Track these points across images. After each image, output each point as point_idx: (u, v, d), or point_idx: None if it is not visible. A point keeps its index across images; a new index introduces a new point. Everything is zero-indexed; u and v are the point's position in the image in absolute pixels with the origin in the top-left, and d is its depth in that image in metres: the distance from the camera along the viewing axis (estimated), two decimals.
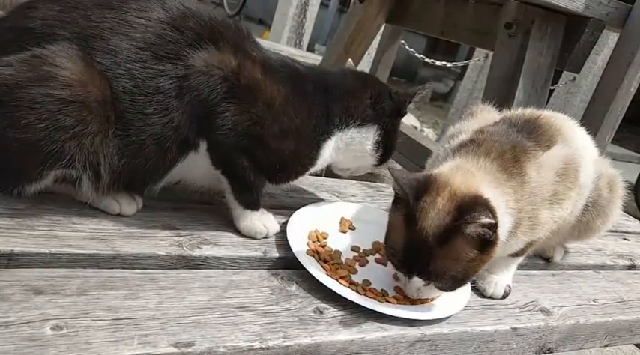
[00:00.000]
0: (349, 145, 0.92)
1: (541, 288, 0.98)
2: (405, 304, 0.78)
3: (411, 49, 2.98)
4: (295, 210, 0.93)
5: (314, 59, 3.35)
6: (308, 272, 0.77)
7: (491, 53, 1.65)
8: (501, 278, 0.90)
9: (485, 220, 0.67)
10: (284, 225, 0.88)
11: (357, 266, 0.86)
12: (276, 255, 0.83)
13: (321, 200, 1.08)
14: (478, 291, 0.89)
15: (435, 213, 0.70)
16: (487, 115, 0.98)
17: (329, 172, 1.04)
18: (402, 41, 2.62)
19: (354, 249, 0.91)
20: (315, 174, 1.01)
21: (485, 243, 0.71)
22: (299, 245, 0.83)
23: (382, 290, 0.81)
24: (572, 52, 1.50)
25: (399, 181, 0.72)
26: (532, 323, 0.85)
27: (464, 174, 0.76)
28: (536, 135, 0.86)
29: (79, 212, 0.78)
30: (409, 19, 2.13)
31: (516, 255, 0.89)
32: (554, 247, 1.09)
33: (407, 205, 0.72)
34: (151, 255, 0.74)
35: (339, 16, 7.39)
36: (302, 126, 0.84)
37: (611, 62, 1.60)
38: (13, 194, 0.74)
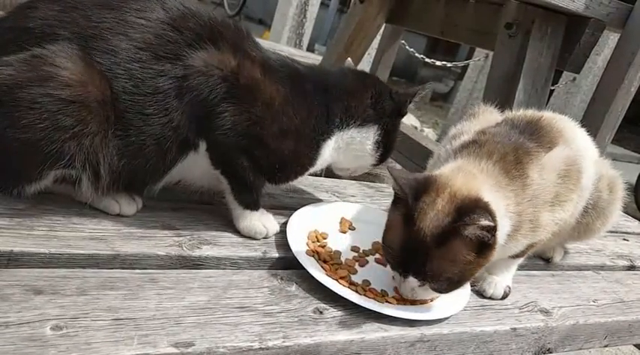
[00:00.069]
0: (349, 145, 0.92)
1: (541, 289, 0.98)
2: (404, 304, 0.78)
3: (411, 49, 2.98)
4: (295, 210, 0.93)
5: (314, 59, 3.35)
6: (308, 272, 0.77)
7: (491, 53, 1.66)
8: (501, 279, 0.90)
9: (485, 222, 0.67)
10: (284, 225, 0.88)
11: (356, 266, 0.86)
12: (276, 255, 0.83)
13: (321, 200, 1.08)
14: (478, 292, 0.89)
15: (434, 214, 0.70)
16: (489, 116, 0.98)
17: (329, 172, 1.04)
18: (402, 41, 2.62)
19: (354, 249, 0.91)
20: (315, 175, 1.01)
21: (484, 246, 0.70)
22: (299, 245, 0.83)
23: (382, 290, 0.81)
24: (573, 52, 1.50)
25: (398, 181, 0.72)
26: (532, 323, 0.85)
27: (465, 176, 0.75)
28: (538, 136, 0.85)
29: (78, 212, 0.78)
30: (409, 19, 2.13)
31: (517, 256, 0.89)
32: (554, 248, 1.09)
33: (405, 205, 0.72)
34: (150, 255, 0.74)
35: (339, 16, 7.39)
36: (302, 126, 0.84)
37: (612, 62, 1.60)
38: (13, 194, 0.74)
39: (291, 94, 0.83)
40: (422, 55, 3.10)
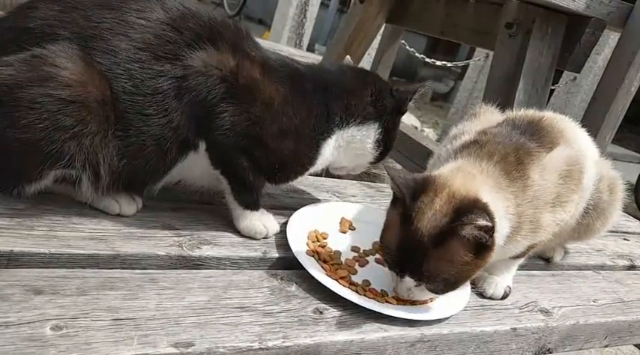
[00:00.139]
0: (350, 143, 0.92)
1: (541, 289, 0.97)
2: (404, 305, 0.78)
3: (412, 49, 2.98)
4: (295, 210, 0.93)
5: (314, 59, 3.35)
6: (308, 272, 0.77)
7: (491, 53, 1.65)
8: (501, 279, 0.90)
9: (482, 223, 0.67)
10: (284, 225, 0.88)
11: (356, 266, 0.86)
12: (276, 255, 0.83)
13: (321, 200, 1.08)
14: (478, 292, 0.89)
15: (432, 214, 0.70)
16: (490, 116, 0.98)
17: (329, 172, 1.04)
18: (403, 41, 2.62)
19: (354, 249, 0.91)
20: (315, 174, 1.01)
21: (481, 246, 0.70)
22: (299, 245, 0.83)
23: (382, 290, 0.81)
24: (573, 52, 1.50)
25: (395, 180, 0.72)
26: (532, 323, 0.85)
27: (464, 177, 0.75)
28: (539, 136, 0.85)
29: (78, 212, 0.78)
30: (409, 19, 2.13)
31: (517, 256, 0.89)
32: (554, 248, 1.09)
33: (403, 205, 0.72)
34: (150, 255, 0.74)
35: (339, 16, 7.39)
36: (301, 125, 0.84)
37: (612, 62, 1.60)
38: (13, 194, 0.74)
39: (291, 94, 0.83)
40: (422, 55, 3.10)
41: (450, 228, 0.68)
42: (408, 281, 0.73)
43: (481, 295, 0.89)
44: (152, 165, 0.77)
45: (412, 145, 1.94)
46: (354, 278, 0.82)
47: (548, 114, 0.93)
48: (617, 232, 1.39)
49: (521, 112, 0.96)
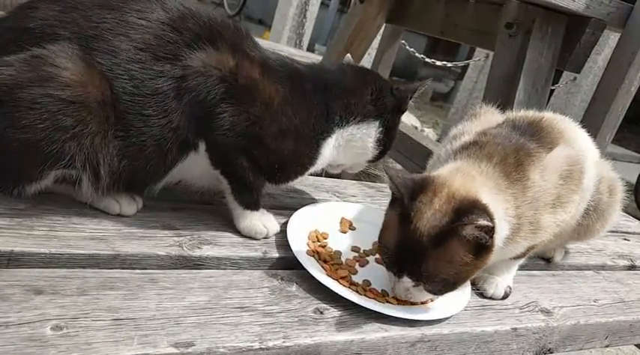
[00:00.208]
0: (350, 142, 0.91)
1: (541, 289, 0.97)
2: (405, 305, 0.78)
3: (412, 49, 2.98)
4: (295, 210, 0.93)
5: (314, 59, 3.35)
6: (308, 272, 0.77)
7: (491, 53, 1.65)
8: (502, 279, 0.90)
9: (483, 223, 0.66)
10: (284, 225, 0.88)
11: (357, 266, 0.86)
12: (276, 255, 0.83)
13: (322, 200, 1.08)
14: (478, 292, 0.89)
15: (431, 213, 0.70)
16: (490, 117, 0.98)
17: (329, 172, 1.04)
18: (403, 41, 2.62)
19: (355, 249, 0.91)
20: (315, 174, 1.01)
21: (481, 247, 0.70)
22: (299, 245, 0.83)
23: (382, 290, 0.81)
24: (573, 52, 1.50)
25: (393, 180, 0.72)
26: (532, 323, 0.85)
27: (464, 177, 0.75)
28: (539, 137, 0.85)
29: (78, 212, 0.78)
30: (409, 19, 2.13)
31: (518, 257, 0.89)
32: (555, 248, 1.09)
33: (402, 204, 0.72)
34: (150, 255, 0.74)
35: (339, 16, 7.39)
36: (301, 125, 0.84)
37: (612, 62, 1.59)
38: (13, 194, 0.74)
39: (291, 94, 0.82)
40: (422, 55, 3.10)
41: (450, 228, 0.68)
42: (406, 281, 0.72)
43: (481, 295, 0.89)
44: (152, 165, 0.77)
45: (412, 145, 1.94)
46: (354, 278, 0.82)
47: (548, 115, 0.93)
48: (617, 232, 1.39)
49: (521, 113, 0.96)
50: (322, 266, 0.81)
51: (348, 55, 1.02)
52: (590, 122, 1.50)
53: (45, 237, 0.71)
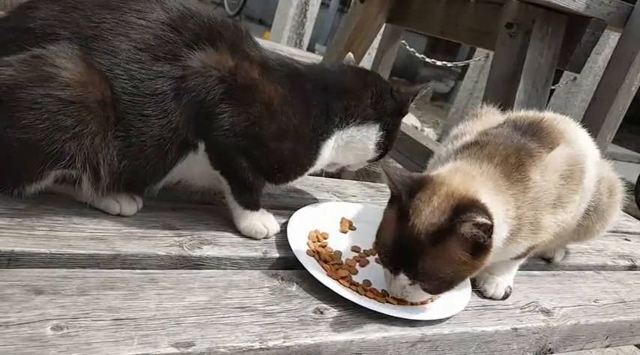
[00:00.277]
0: (349, 144, 0.91)
1: (542, 289, 0.97)
2: (405, 305, 0.78)
3: (412, 49, 2.98)
4: (295, 210, 0.93)
5: (314, 59, 3.35)
6: (308, 272, 0.77)
7: (491, 53, 1.65)
8: (502, 279, 0.90)
9: (482, 220, 0.66)
10: (284, 225, 0.88)
11: (357, 266, 0.86)
12: (277, 255, 0.83)
13: (322, 200, 1.07)
14: (479, 292, 0.89)
15: (430, 211, 0.69)
16: (491, 117, 0.97)
17: (329, 172, 1.04)
18: (403, 41, 2.62)
19: (355, 249, 0.91)
20: (316, 174, 1.01)
21: (479, 247, 0.69)
22: (299, 245, 0.83)
23: (382, 290, 0.80)
24: (573, 52, 1.50)
25: (391, 177, 0.72)
26: (533, 323, 0.85)
27: (464, 177, 0.75)
28: (540, 137, 0.85)
29: (79, 212, 0.78)
30: (409, 19, 2.13)
31: (518, 257, 0.89)
32: (555, 248, 1.09)
33: (399, 201, 0.71)
34: (151, 255, 0.74)
35: (339, 15, 7.39)
36: (301, 126, 0.83)
37: (613, 62, 1.59)
38: (14, 194, 0.74)
39: (290, 94, 0.82)
40: (422, 55, 3.10)
41: (448, 225, 0.68)
42: (402, 279, 0.72)
43: (482, 295, 0.89)
44: (152, 165, 0.77)
45: (412, 145, 1.94)
46: (354, 278, 0.82)
47: (548, 115, 0.93)
48: (617, 232, 1.39)
49: (522, 113, 0.96)
50: (322, 267, 0.81)
51: (350, 54, 1.01)
52: (591, 122, 1.50)
53: (45, 237, 0.71)
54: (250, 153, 0.81)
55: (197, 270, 0.75)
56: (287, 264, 0.82)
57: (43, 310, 0.58)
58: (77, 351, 0.54)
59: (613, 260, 1.21)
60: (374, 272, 0.85)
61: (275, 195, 1.03)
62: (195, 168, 0.82)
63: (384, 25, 2.27)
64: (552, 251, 1.09)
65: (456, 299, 0.81)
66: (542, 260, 1.10)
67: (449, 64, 3.27)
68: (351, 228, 0.98)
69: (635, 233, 1.44)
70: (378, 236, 0.76)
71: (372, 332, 0.71)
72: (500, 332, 0.81)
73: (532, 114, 0.94)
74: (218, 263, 0.78)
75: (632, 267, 1.21)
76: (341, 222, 0.98)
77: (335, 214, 0.99)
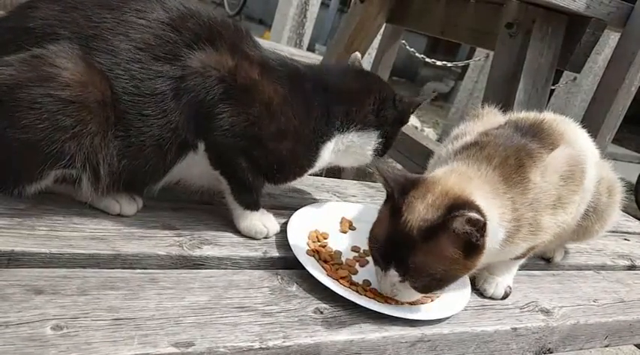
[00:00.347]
0: (349, 148, 0.92)
1: (541, 289, 0.97)
2: (405, 305, 0.78)
3: (412, 49, 2.98)
4: (295, 210, 0.93)
5: (314, 59, 3.35)
6: (308, 272, 0.77)
7: (491, 53, 1.65)
8: (502, 279, 0.90)
9: (474, 216, 0.66)
10: (284, 225, 0.88)
11: (357, 266, 0.86)
12: (277, 255, 0.83)
13: (322, 200, 1.08)
14: (478, 292, 0.89)
15: (423, 207, 0.69)
16: (492, 118, 0.98)
17: (329, 172, 1.04)
18: (403, 41, 2.62)
19: (355, 249, 0.91)
20: (316, 174, 1.01)
21: (471, 246, 0.69)
22: (299, 245, 0.83)
23: None
24: (574, 52, 1.50)
25: (383, 173, 0.72)
26: (532, 323, 0.85)
27: (460, 178, 0.75)
28: (540, 138, 0.85)
29: (79, 212, 0.78)
30: (410, 19, 2.13)
31: (518, 257, 0.89)
32: (555, 248, 1.09)
33: (393, 198, 0.72)
34: (151, 255, 0.74)
35: (339, 15, 7.40)
36: (301, 126, 0.83)
37: (613, 62, 1.59)
38: (14, 194, 0.74)
39: (291, 94, 0.82)
40: (422, 55, 3.10)
41: (441, 222, 0.68)
42: (393, 275, 0.71)
43: (481, 295, 0.89)
44: (152, 165, 0.77)
45: (412, 145, 1.94)
46: (354, 278, 0.82)
47: (549, 116, 0.93)
48: (617, 232, 1.39)
49: (524, 115, 0.96)
50: (322, 266, 0.81)
51: (357, 54, 0.99)
52: (590, 122, 1.50)
53: (45, 236, 0.71)
54: (250, 154, 0.81)
55: (197, 270, 0.75)
56: (287, 264, 0.82)
57: (42, 310, 0.59)
58: (77, 351, 0.54)
59: (612, 260, 1.21)
60: (374, 272, 0.85)
61: (275, 195, 1.03)
62: (195, 168, 0.83)
63: (384, 25, 2.27)
64: (552, 251, 1.09)
65: (456, 299, 0.81)
66: (541, 260, 1.10)
67: (449, 64, 3.28)
68: (351, 228, 0.98)
69: (634, 233, 1.44)
70: (371, 232, 0.76)
71: (372, 332, 0.71)
72: (500, 331, 0.81)
73: (532, 115, 0.94)
74: (218, 263, 0.78)
75: (632, 267, 1.21)
76: (341, 222, 0.98)
77: (335, 214, 0.99)
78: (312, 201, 1.06)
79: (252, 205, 0.86)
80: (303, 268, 0.78)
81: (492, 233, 0.72)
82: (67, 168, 0.72)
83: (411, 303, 0.79)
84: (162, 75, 0.73)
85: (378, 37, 2.42)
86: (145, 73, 0.73)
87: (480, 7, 1.74)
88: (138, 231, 0.78)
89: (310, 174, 0.94)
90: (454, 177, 0.75)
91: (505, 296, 0.89)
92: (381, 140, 0.92)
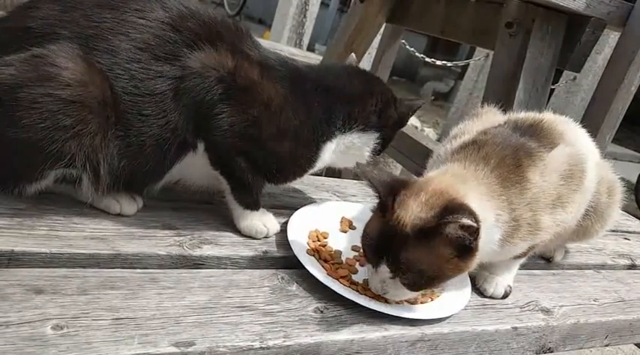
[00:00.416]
0: (349, 148, 0.92)
1: (541, 288, 0.97)
2: (405, 304, 0.78)
3: (412, 49, 2.98)
4: (296, 210, 0.93)
5: (314, 59, 3.35)
6: (308, 271, 0.77)
7: (491, 52, 1.65)
8: (502, 278, 0.90)
9: (467, 222, 0.65)
10: (284, 225, 0.88)
11: (357, 265, 0.86)
12: (277, 254, 0.83)
13: (322, 199, 1.08)
14: (478, 291, 0.89)
15: (417, 205, 0.69)
16: (492, 117, 0.98)
17: (329, 172, 1.04)
18: (403, 40, 2.62)
19: (355, 248, 0.91)
20: (316, 174, 1.01)
21: (464, 248, 0.69)
22: (299, 244, 0.83)
23: None
24: (573, 51, 1.50)
25: (367, 175, 0.72)
26: (532, 322, 0.85)
27: (455, 179, 0.75)
28: (540, 137, 0.85)
29: (79, 212, 0.78)
30: (410, 19, 2.13)
31: (518, 257, 0.89)
32: (555, 247, 1.09)
33: (380, 197, 0.72)
34: (151, 254, 0.74)
35: (339, 15, 7.40)
36: (301, 127, 0.83)
37: (612, 61, 1.59)
38: (14, 194, 0.74)
39: (291, 95, 0.82)
40: (422, 55, 3.11)
41: (435, 223, 0.67)
42: (384, 271, 0.71)
43: (482, 294, 0.89)
44: (152, 165, 0.77)
45: (412, 145, 1.94)
46: (354, 277, 0.82)
47: (549, 116, 0.93)
48: (617, 231, 1.39)
49: (523, 114, 0.96)
50: (322, 266, 0.81)
51: (353, 55, 1.00)
52: (590, 122, 1.50)
53: (45, 236, 0.71)
54: (249, 154, 0.81)
55: (197, 270, 0.75)
56: (287, 264, 0.82)
57: (43, 309, 0.59)
58: (77, 351, 0.54)
59: (613, 259, 1.21)
60: None
61: (275, 194, 1.03)
62: (195, 168, 0.83)
63: (384, 25, 2.27)
64: (552, 250, 1.09)
65: (456, 299, 0.81)
66: (542, 259, 1.10)
67: (449, 64, 3.28)
68: (351, 227, 0.98)
69: (634, 232, 1.44)
70: (364, 230, 0.76)
71: (372, 332, 0.71)
72: (500, 331, 0.81)
73: (532, 115, 0.94)
74: (218, 262, 0.78)
75: (632, 266, 1.21)
76: (341, 222, 0.98)
77: (335, 213, 0.99)
78: (312, 200, 1.06)
79: (252, 205, 0.86)
80: (304, 267, 0.78)
81: (488, 234, 0.72)
82: (68, 168, 0.72)
83: (411, 303, 0.79)
84: (162, 75, 0.74)
85: (378, 36, 2.42)
86: (144, 73, 0.73)
87: (479, 6, 1.74)
88: (138, 231, 0.78)
89: (310, 174, 0.95)
90: (449, 177, 0.75)
91: (505, 296, 0.89)
92: (379, 141, 0.93)
